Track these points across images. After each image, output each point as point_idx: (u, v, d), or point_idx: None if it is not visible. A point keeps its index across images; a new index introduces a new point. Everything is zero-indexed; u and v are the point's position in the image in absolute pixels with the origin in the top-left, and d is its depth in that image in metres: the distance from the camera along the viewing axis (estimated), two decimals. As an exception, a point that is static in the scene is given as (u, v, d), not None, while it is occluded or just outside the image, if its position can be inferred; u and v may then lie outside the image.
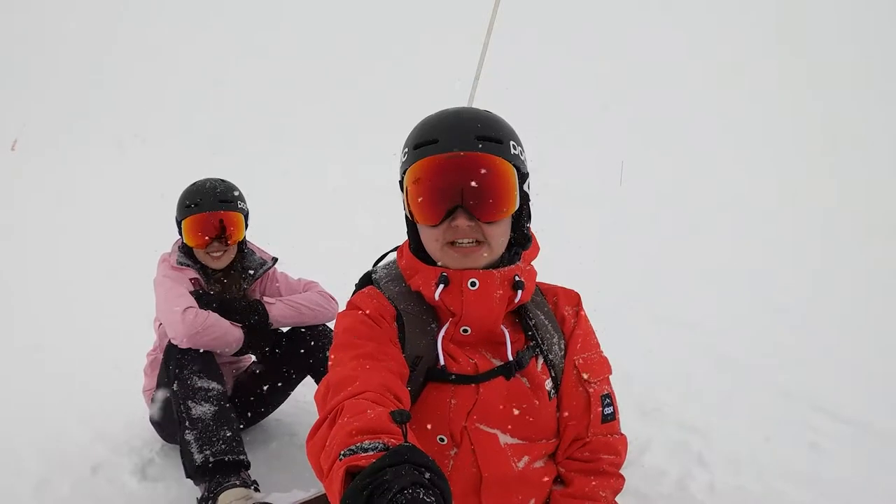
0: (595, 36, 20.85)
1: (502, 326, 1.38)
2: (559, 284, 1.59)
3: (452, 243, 1.32)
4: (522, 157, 1.36)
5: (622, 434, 1.50)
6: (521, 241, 1.42)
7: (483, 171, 1.27)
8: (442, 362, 1.36)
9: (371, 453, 0.92)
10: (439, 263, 1.36)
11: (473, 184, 1.26)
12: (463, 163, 1.28)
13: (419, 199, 1.30)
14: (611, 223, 8.04)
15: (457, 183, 1.27)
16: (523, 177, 1.35)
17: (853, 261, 6.09)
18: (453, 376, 1.36)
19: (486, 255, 1.33)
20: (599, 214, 8.54)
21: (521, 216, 1.39)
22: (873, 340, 3.89)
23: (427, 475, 0.80)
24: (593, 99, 17.14)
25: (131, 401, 2.75)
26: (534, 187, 1.44)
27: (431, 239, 1.34)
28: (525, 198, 1.37)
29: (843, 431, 2.77)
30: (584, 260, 5.83)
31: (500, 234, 1.34)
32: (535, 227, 1.46)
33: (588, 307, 1.57)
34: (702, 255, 6.33)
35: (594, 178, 11.28)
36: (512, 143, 1.33)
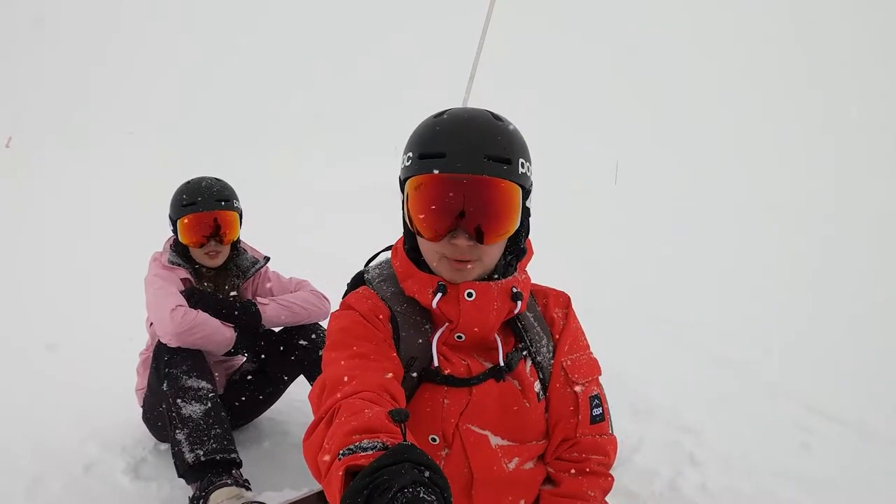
0: (597, 31, 20.88)
1: (495, 334, 1.39)
2: (550, 286, 1.59)
3: None
4: (529, 173, 1.32)
5: (612, 434, 1.50)
6: (518, 253, 1.40)
7: (487, 195, 1.24)
8: (436, 363, 1.36)
9: (370, 452, 0.91)
10: (435, 272, 1.35)
11: (477, 208, 1.24)
12: (468, 186, 1.23)
13: (420, 214, 1.28)
14: (606, 222, 8.05)
15: (460, 206, 1.23)
16: (527, 193, 1.32)
17: (851, 261, 6.10)
18: (447, 377, 1.36)
19: (477, 270, 1.33)
20: (595, 214, 8.55)
21: (520, 231, 1.36)
22: (867, 341, 3.90)
23: (427, 474, 0.80)
24: (593, 97, 17.16)
25: (124, 400, 2.75)
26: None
27: (429, 249, 1.33)
28: (526, 212, 1.34)
29: (835, 431, 2.79)
30: (579, 259, 5.84)
31: (495, 252, 1.33)
32: (532, 226, 1.45)
33: (582, 306, 1.56)
34: (697, 255, 6.34)
35: (590, 176, 11.30)
36: (521, 160, 1.28)
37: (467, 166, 1.23)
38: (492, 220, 1.26)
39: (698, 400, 3.05)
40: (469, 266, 1.30)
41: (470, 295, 1.32)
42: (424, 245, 1.34)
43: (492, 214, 1.25)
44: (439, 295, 1.32)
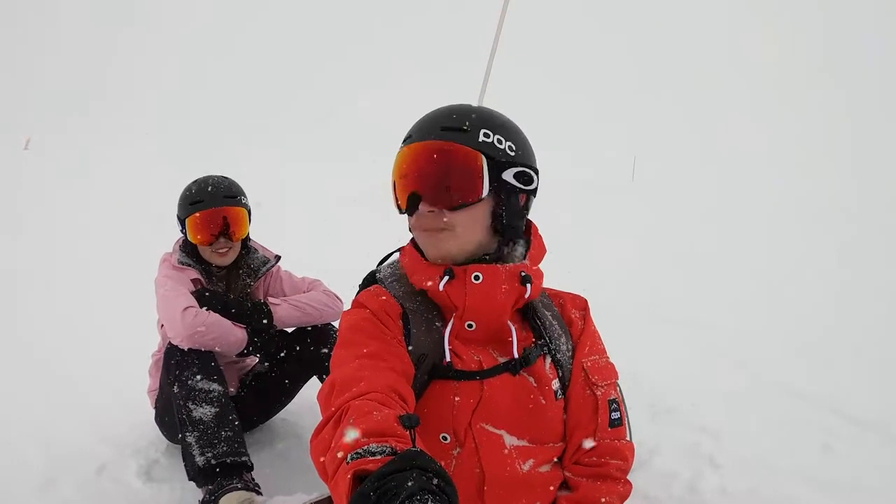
0: (619, 28, 20.75)
1: (509, 323, 1.36)
2: (566, 289, 1.56)
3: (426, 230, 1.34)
4: (502, 147, 1.30)
5: (629, 440, 1.47)
6: (508, 234, 1.36)
7: (436, 157, 1.28)
8: (448, 359, 1.33)
9: (378, 457, 0.90)
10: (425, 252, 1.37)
11: (418, 170, 1.29)
12: (418, 151, 1.29)
13: (393, 190, 1.34)
14: (623, 220, 8.01)
15: (413, 171, 1.30)
16: (501, 165, 1.30)
17: (874, 262, 6.02)
18: (458, 372, 1.33)
19: (450, 241, 1.32)
20: (612, 211, 8.51)
21: (507, 206, 1.32)
22: (889, 342, 3.83)
23: (435, 481, 0.79)
24: (610, 94, 17.06)
25: (137, 401, 2.74)
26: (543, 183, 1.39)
27: (413, 227, 1.37)
28: (506, 187, 1.31)
29: (857, 434, 2.73)
30: (595, 257, 5.79)
31: (465, 222, 1.31)
32: (547, 225, 1.42)
33: (599, 306, 1.53)
34: (718, 256, 6.28)
35: (607, 172, 11.24)
36: (484, 131, 1.29)
37: (420, 137, 1.31)
38: (441, 182, 1.29)
39: (718, 401, 3.00)
40: (439, 235, 1.31)
41: (477, 278, 1.31)
42: (410, 224, 1.37)
43: (440, 177, 1.28)
44: (447, 278, 1.31)
